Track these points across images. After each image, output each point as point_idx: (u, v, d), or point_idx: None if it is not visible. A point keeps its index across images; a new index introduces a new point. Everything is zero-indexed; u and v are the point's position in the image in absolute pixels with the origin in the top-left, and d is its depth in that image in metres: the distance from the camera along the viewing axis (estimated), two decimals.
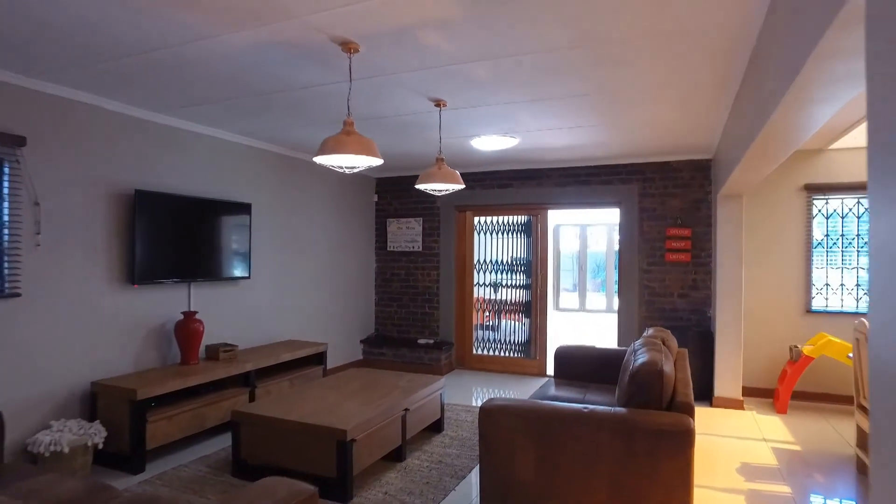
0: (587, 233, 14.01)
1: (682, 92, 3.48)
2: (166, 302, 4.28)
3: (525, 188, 6.32)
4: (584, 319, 12.40)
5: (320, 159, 2.83)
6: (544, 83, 3.32)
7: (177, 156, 4.37)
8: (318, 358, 5.37)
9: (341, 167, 2.98)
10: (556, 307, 13.77)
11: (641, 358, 2.73)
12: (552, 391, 3.78)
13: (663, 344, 3.26)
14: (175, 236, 4.25)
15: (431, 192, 3.88)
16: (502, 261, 6.66)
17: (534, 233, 6.41)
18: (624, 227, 5.88)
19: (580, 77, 3.19)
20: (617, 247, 13.70)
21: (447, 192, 4.12)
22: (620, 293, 5.92)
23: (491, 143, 4.96)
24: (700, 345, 5.20)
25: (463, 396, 5.48)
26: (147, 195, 4.01)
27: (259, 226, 5.22)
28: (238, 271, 4.84)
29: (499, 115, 4.08)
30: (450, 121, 4.24)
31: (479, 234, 6.75)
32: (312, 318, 6.00)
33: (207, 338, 4.65)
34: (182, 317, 4.30)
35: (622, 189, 5.89)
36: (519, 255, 6.55)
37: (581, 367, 4.21)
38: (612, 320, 11.88)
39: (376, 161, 2.88)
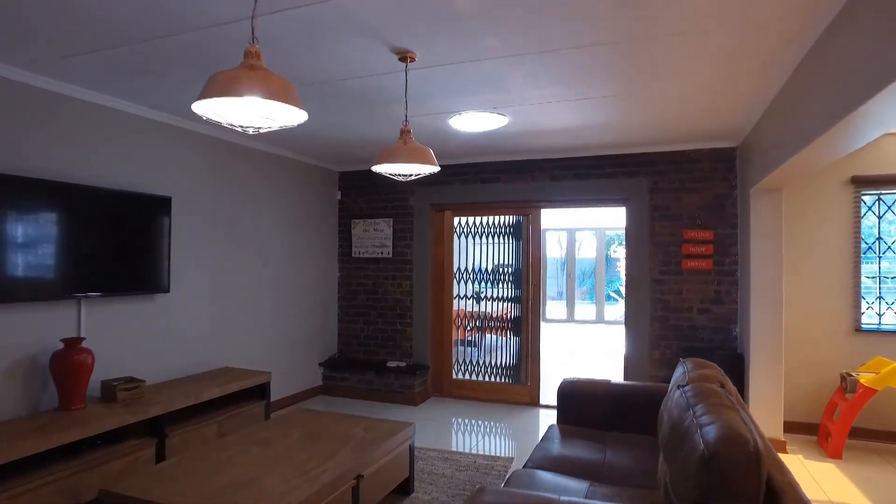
0: (575, 237, 13.12)
1: (729, 59, 2.54)
2: (41, 326, 3.19)
3: (514, 183, 5.35)
4: (574, 332, 11.47)
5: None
6: (547, 25, 2.35)
7: (55, 130, 3.29)
8: (261, 391, 4.30)
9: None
10: (543, 318, 12.82)
11: (712, 425, 1.74)
12: (557, 448, 2.78)
13: (722, 387, 2.29)
14: (59, 238, 3.17)
15: (394, 178, 2.87)
16: (487, 269, 5.67)
17: (524, 236, 5.44)
18: (631, 230, 4.94)
19: (596, 18, 2.22)
20: (611, 252, 12.79)
21: (416, 178, 3.14)
22: (627, 308, 4.97)
23: (474, 122, 3.97)
24: (728, 371, 4.26)
25: (439, 436, 4.46)
26: (7, 182, 2.93)
27: (184, 226, 4.15)
28: (151, 283, 3.77)
29: (485, 79, 3.10)
30: (421, 85, 3.24)
31: (459, 237, 5.76)
32: (259, 340, 4.93)
33: (105, 371, 3.56)
34: (62, 346, 3.22)
35: (629, 184, 4.95)
36: (507, 262, 5.57)
37: (594, 408, 3.22)
38: (604, 332, 10.96)
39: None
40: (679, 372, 2.73)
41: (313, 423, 3.26)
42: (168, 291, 3.90)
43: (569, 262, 13.08)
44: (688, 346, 4.72)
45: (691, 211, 4.76)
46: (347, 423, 3.27)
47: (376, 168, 2.73)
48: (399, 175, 2.87)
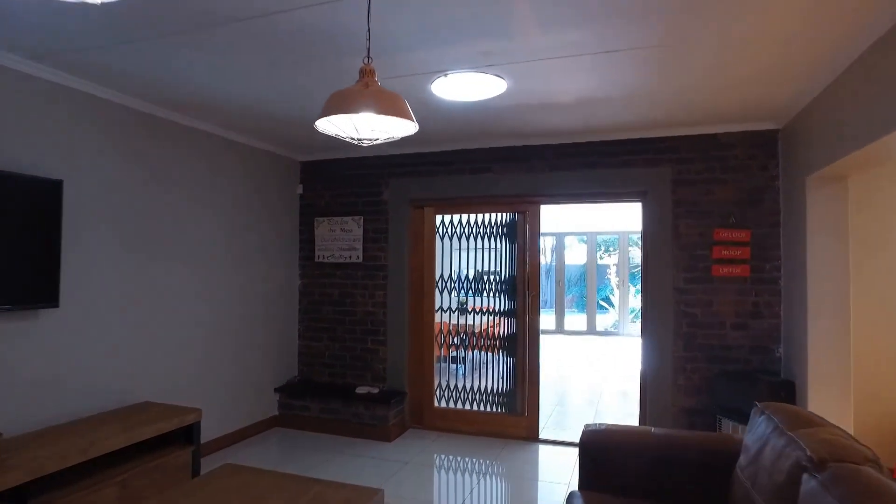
0: (564, 243, 12.33)
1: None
2: None
3: (509, 174, 4.48)
4: (563, 344, 10.63)
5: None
6: None
7: None
8: (187, 434, 3.34)
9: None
10: None
11: None
12: None
13: (873, 463, 1.42)
14: None
15: (351, 141, 1.96)
16: (476, 276, 4.78)
17: (520, 237, 4.56)
18: (650, 229, 4.10)
19: None
20: (599, 258, 11.97)
21: (385, 141, 2.35)
22: (645, 324, 4.13)
23: (463, 87, 3.09)
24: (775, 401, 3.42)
25: (418, 487, 3.54)
26: None
27: (82, 220, 3.18)
28: (32, 295, 2.80)
29: (478, 9, 2.22)
30: (389, 19, 2.35)
31: (443, 238, 4.86)
32: (191, 364, 3.95)
33: None
34: None
35: (648, 174, 4.12)
36: (499, 269, 4.68)
37: (628, 468, 2.34)
38: (597, 345, 10.13)
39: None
40: (763, 426, 1.87)
41: (245, 490, 2.31)
42: (57, 306, 2.92)
43: (557, 268, 12.28)
44: (720, 369, 3.89)
45: (723, 206, 3.94)
46: (292, 490, 2.33)
47: (321, 123, 1.82)
48: (358, 138, 1.96)
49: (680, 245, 4.02)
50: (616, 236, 12.10)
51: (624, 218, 10.43)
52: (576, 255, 18.97)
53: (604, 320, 12.87)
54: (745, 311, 3.87)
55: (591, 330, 11.66)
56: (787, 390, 3.47)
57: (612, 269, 15.10)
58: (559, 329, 11.85)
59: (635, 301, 13.29)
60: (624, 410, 5.45)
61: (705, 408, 3.91)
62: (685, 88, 3.14)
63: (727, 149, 3.95)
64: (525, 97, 3.31)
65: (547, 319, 12.35)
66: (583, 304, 14.62)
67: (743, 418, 3.49)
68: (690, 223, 4.01)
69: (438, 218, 4.85)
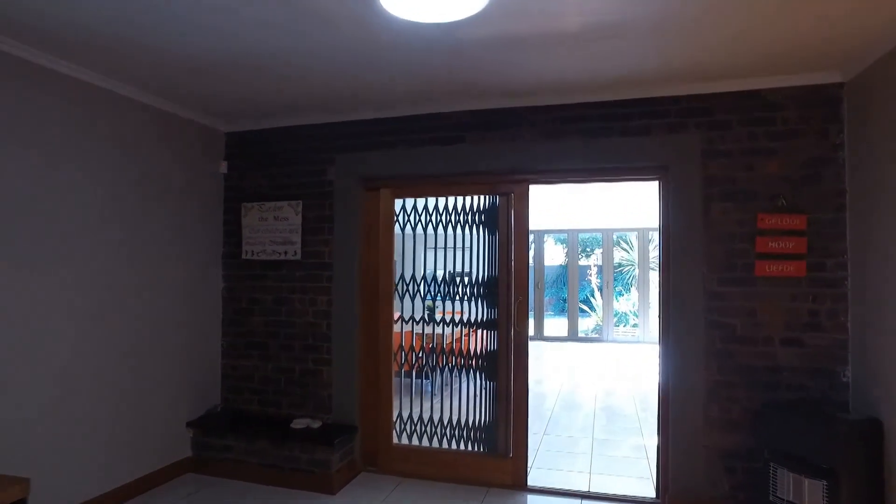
0: (543, 241, 11.42)
1: None
2: None
3: (488, 144, 3.47)
4: (544, 352, 9.70)
5: None
6: None
7: None
8: None
9: None
10: None
11: None
12: None
13: None
14: None
15: None
16: (447, 278, 3.75)
17: (502, 226, 3.55)
18: (672, 216, 3.15)
19: None
20: (604, 258, 11.04)
21: None
22: (665, 337, 3.17)
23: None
24: (851, 448, 2.50)
25: None
26: None
27: None
28: None
29: None
30: None
31: (404, 229, 3.82)
32: (49, 399, 2.83)
33: None
34: None
35: (669, 144, 3.16)
36: (476, 269, 3.66)
37: None
38: (580, 352, 9.19)
39: None
40: None
41: None
42: None
43: (537, 269, 11.35)
44: (767, 397, 2.95)
45: (770, 185, 3.01)
46: None
47: None
48: None
49: (712, 236, 3.07)
50: (599, 234, 11.26)
51: (609, 214, 9.56)
52: (552, 256, 18.17)
53: (584, 324, 12.02)
54: (800, 321, 2.94)
55: (573, 335, 10.77)
56: (872, 432, 2.54)
57: (593, 270, 14.29)
58: (539, 335, 10.91)
59: (619, 304, 12.48)
60: (631, 443, 4.49)
61: (749, 451, 2.96)
62: (728, 18, 2.18)
63: (775, 109, 3.02)
64: (511, 22, 2.31)
65: None
66: (560, 307, 13.77)
67: (809, 470, 2.54)
68: (727, 207, 3.06)
69: (398, 203, 3.82)
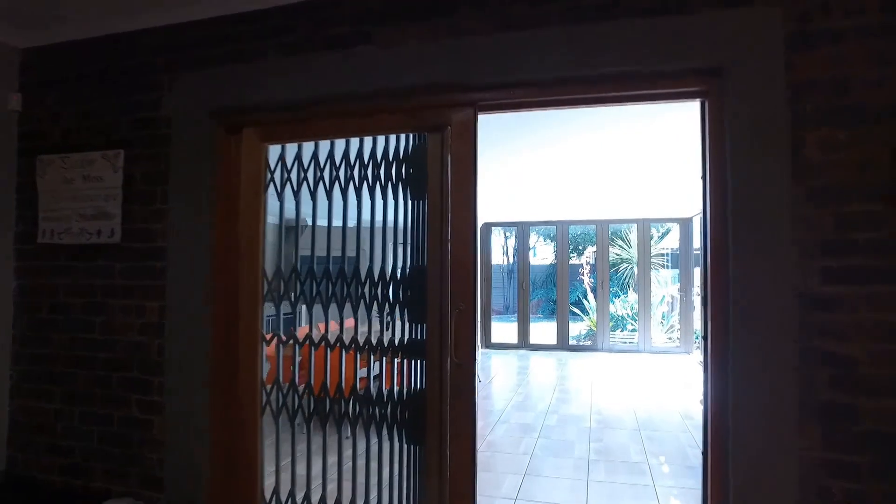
0: (528, 234, 10.00)
1: None
2: None
3: (408, 43, 2.04)
4: (529, 364, 8.26)
5: None
6: None
7: None
8: None
9: None
10: (487, 344, 9.59)
11: None
12: None
13: None
14: None
15: None
16: (343, 273, 2.29)
17: (433, 184, 2.10)
18: (733, 158, 1.73)
19: None
20: (598, 254, 9.58)
21: None
22: (718, 376, 1.74)
23: None
24: None
25: None
26: None
27: None
28: None
29: None
30: None
31: (281, 193, 2.36)
32: None
33: None
34: None
35: (726, 24, 1.74)
36: (388, 256, 2.22)
37: None
38: (573, 365, 7.72)
39: None
40: None
41: None
42: None
43: (521, 267, 9.92)
44: None
45: None
46: None
47: None
48: None
49: (809, 193, 1.65)
50: (592, 227, 9.86)
51: (603, 203, 8.13)
52: (543, 254, 16.77)
53: (575, 329, 10.62)
54: None
55: (563, 344, 9.34)
56: None
57: (586, 269, 12.89)
58: (523, 343, 9.48)
59: (615, 307, 11.09)
60: None
61: None
62: None
63: None
64: None
65: (508, 331, 10.00)
66: (551, 310, 12.38)
67: None
68: (836, 139, 1.64)
69: (271, 151, 2.36)
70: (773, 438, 1.64)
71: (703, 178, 1.89)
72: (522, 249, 10.00)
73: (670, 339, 10.06)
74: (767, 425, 1.64)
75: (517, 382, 6.84)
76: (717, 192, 1.81)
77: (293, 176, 2.33)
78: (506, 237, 16.59)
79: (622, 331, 10.90)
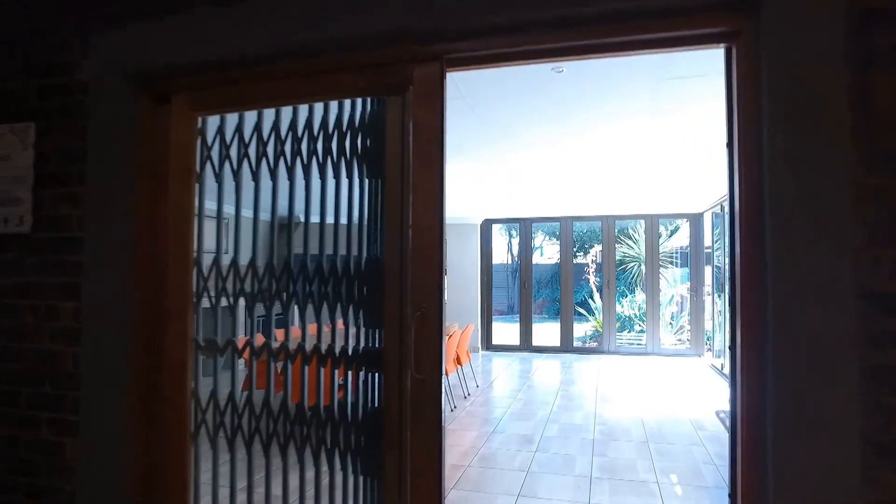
0: (530, 230, 9.59)
1: None
2: None
3: None
4: (532, 367, 7.86)
5: None
6: None
7: None
8: None
9: None
10: (488, 345, 9.19)
11: None
12: None
13: None
14: None
15: None
16: (290, 265, 1.90)
17: (391, 158, 1.71)
18: (772, 110, 1.32)
19: None
20: (604, 251, 9.04)
21: None
22: (749, 388, 1.33)
23: None
24: None
25: None
26: None
27: None
28: None
29: None
30: None
31: (219, 173, 1.97)
32: None
33: None
34: None
35: None
36: (340, 246, 1.83)
37: None
38: (577, 369, 7.30)
39: None
40: None
41: None
42: None
43: (523, 266, 9.52)
44: None
45: None
46: None
47: None
48: None
49: (880, 156, 1.24)
50: (598, 223, 9.44)
51: (609, 198, 7.69)
52: (546, 252, 16.34)
53: (580, 330, 10.20)
54: None
55: (568, 346, 8.92)
56: None
57: (592, 268, 12.46)
58: (525, 345, 9.07)
59: (622, 308, 10.66)
60: None
61: None
62: None
63: None
64: None
65: (510, 332, 9.60)
66: (556, 310, 11.96)
67: None
68: None
69: (205, 124, 1.97)
70: (829, 486, 1.23)
71: (730, 146, 1.48)
72: (525, 247, 9.59)
73: (680, 340, 9.61)
74: (821, 471, 1.23)
75: (517, 387, 6.44)
76: (748, 163, 1.40)
77: (232, 153, 1.94)
78: (510, 235, 16.20)
79: (629, 332, 10.47)
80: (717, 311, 7.74)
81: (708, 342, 8.41)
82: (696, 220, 8.62)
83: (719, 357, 7.29)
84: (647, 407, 5.37)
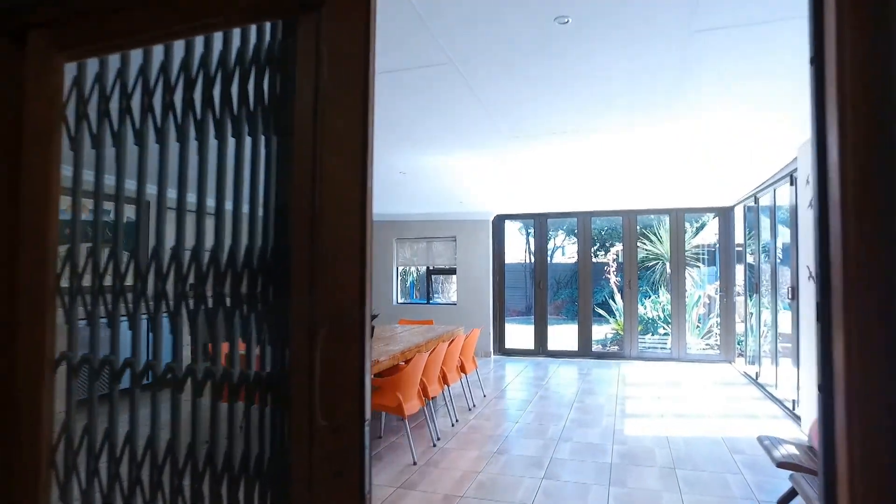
0: (545, 225, 8.99)
1: None
2: None
3: None
4: (547, 374, 7.29)
5: None
6: None
7: None
8: None
9: None
10: (500, 350, 8.63)
11: None
12: None
13: None
14: None
15: None
16: (178, 258, 1.40)
17: (302, 106, 1.19)
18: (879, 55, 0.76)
19: None
20: (625, 249, 8.30)
21: None
22: (857, 426, 0.78)
23: None
24: None
25: None
26: None
27: None
28: None
29: None
30: None
31: (96, 135, 1.47)
32: None
33: None
34: None
35: None
36: (239, 235, 1.32)
37: None
38: (596, 373, 6.69)
39: None
40: None
41: None
42: None
43: (538, 264, 8.93)
44: None
45: None
46: None
47: None
48: None
49: None
50: (618, 218, 8.81)
51: (630, 192, 7.06)
52: (567, 251, 15.70)
53: (600, 332, 9.57)
54: None
55: (586, 350, 8.31)
56: None
57: (612, 267, 11.79)
58: (541, 349, 8.49)
59: (645, 309, 9.99)
60: None
61: None
62: None
63: None
64: None
65: (524, 334, 9.02)
66: (575, 311, 11.34)
67: None
68: None
69: (71, 75, 1.48)
70: None
71: (814, 62, 0.93)
72: (540, 244, 9.01)
73: (708, 345, 8.92)
74: None
75: (528, 397, 5.88)
76: (860, 88, 0.85)
77: (109, 110, 1.45)
78: (527, 233, 15.59)
79: (652, 335, 9.80)
80: (749, 314, 7.08)
81: (739, 347, 7.74)
82: (725, 215, 7.95)
83: (753, 364, 6.63)
84: (674, 423, 4.77)
